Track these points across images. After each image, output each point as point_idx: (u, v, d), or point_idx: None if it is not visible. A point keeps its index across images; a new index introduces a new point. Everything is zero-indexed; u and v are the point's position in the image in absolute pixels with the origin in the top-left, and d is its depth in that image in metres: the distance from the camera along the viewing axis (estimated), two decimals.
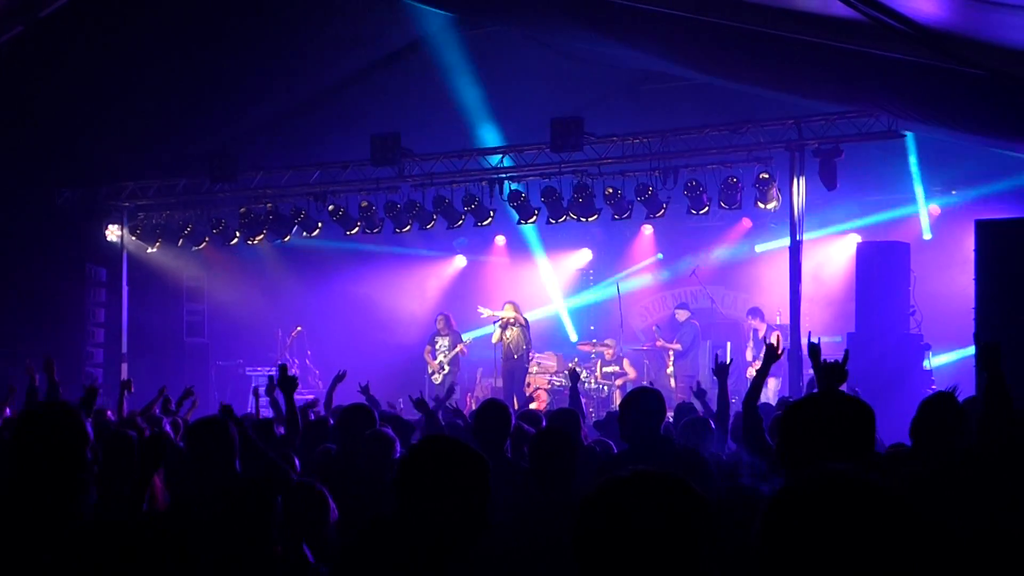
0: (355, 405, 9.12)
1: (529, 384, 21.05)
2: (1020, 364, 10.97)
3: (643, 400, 7.76)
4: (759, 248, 22.81)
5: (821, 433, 3.87)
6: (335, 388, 12.06)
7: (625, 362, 21.26)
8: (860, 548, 2.38)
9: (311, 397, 12.40)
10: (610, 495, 2.80)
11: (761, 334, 19.80)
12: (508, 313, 20.39)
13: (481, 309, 21.24)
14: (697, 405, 11.93)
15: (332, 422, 9.78)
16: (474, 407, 19.80)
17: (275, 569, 4.94)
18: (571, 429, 8.37)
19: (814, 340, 7.35)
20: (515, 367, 20.20)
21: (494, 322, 20.66)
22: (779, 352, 8.18)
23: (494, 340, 20.52)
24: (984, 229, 12.23)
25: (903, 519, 2.42)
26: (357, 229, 20.61)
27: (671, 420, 11.40)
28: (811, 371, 6.98)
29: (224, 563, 4.88)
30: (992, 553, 4.58)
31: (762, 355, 8.38)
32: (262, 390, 12.48)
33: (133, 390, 12.55)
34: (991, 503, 5.25)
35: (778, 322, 20.54)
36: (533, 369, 21.55)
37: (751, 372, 19.20)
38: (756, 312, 20.63)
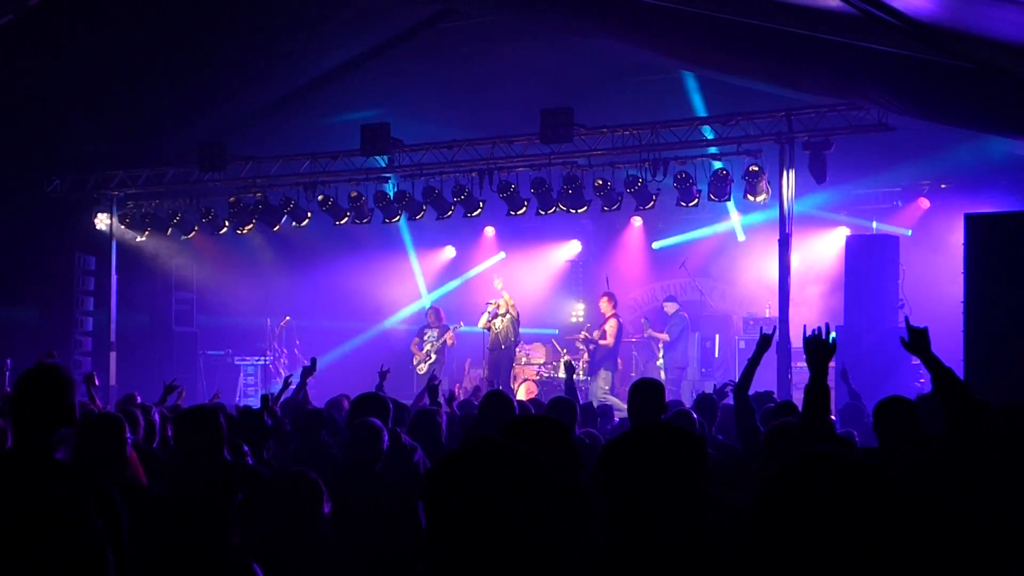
0: (369, 394, 9.21)
1: (516, 376, 21.05)
2: (1008, 357, 11.05)
3: (644, 391, 7.79)
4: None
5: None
6: (306, 382, 11.96)
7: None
8: (845, 521, 2.44)
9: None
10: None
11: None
12: (503, 302, 20.30)
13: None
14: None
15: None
16: (462, 397, 19.83)
17: (224, 559, 4.95)
18: (566, 419, 8.37)
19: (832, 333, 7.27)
20: (502, 357, 20.17)
21: (486, 304, 20.58)
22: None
23: (480, 326, 20.45)
24: (973, 223, 12.27)
25: (885, 493, 2.47)
26: (346, 219, 20.60)
27: None
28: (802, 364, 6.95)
29: (176, 548, 4.93)
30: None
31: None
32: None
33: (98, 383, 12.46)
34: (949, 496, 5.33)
35: (767, 314, 20.62)
36: (522, 360, 21.57)
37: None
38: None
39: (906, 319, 6.81)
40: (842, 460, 2.52)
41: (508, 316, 20.21)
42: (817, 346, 6.42)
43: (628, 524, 3.52)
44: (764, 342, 8.33)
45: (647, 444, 3.62)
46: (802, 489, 2.49)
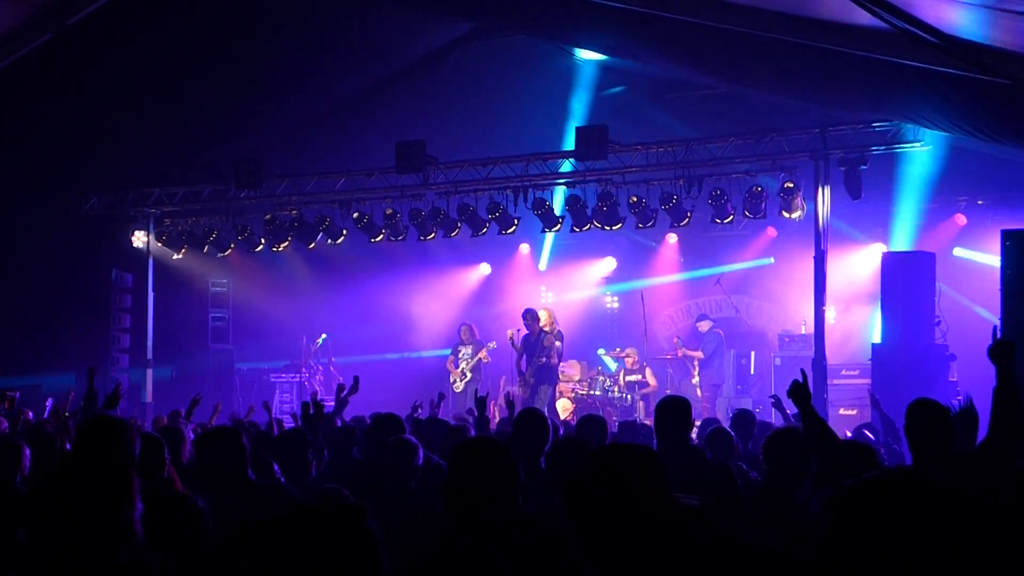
0: (386, 414, 9.23)
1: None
2: None
3: (670, 409, 7.78)
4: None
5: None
6: (347, 402, 11.93)
7: (647, 371, 21.18)
8: (927, 544, 2.40)
9: (332, 405, 12.38)
10: None
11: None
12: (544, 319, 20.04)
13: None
14: (776, 416, 11.92)
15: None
16: (498, 415, 19.81)
17: None
18: (595, 437, 8.36)
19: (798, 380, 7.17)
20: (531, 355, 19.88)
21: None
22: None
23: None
24: (1010, 238, 12.18)
25: (972, 519, 2.44)
26: (382, 237, 20.66)
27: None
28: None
29: None
30: None
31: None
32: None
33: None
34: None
35: (803, 331, 20.54)
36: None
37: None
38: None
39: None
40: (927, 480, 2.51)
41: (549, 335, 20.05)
42: (796, 390, 6.54)
43: (595, 546, 3.54)
44: (798, 393, 7.58)
45: (597, 470, 3.64)
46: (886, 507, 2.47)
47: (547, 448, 7.50)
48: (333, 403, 11.87)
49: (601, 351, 23.44)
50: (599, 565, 3.54)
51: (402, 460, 7.32)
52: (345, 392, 11.74)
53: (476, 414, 10.16)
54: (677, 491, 3.68)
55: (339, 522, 2.77)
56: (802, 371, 7.10)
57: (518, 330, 19.55)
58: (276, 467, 7.90)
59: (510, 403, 11.56)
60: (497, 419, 15.21)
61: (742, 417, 11.46)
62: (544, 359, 19.08)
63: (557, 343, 19.40)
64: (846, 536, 2.46)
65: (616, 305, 25.11)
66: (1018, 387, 6.46)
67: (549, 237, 23.64)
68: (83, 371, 10.93)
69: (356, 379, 11.88)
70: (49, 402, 14.70)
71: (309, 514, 2.78)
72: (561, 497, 3.63)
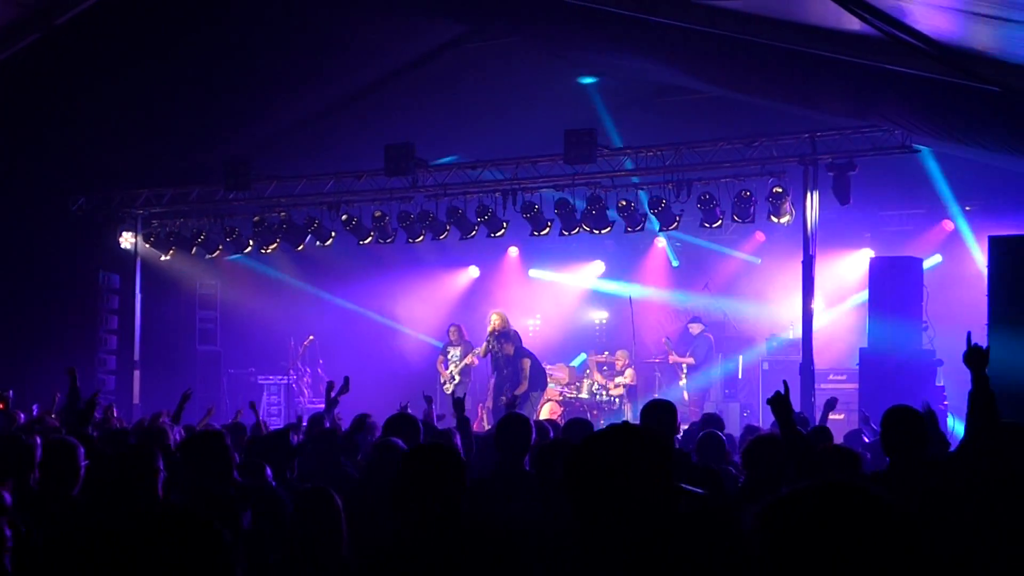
0: (401, 414, 9.23)
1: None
2: None
3: (655, 412, 7.80)
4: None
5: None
6: (337, 401, 11.86)
7: (628, 371, 21.13)
8: (860, 555, 2.36)
9: (321, 407, 12.36)
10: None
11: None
12: (495, 324, 19.94)
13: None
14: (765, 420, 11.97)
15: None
16: (485, 417, 19.79)
17: None
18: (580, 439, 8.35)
19: (781, 390, 7.18)
20: (503, 380, 19.77)
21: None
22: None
23: (482, 354, 20.17)
24: (998, 245, 12.22)
25: (903, 529, 2.41)
26: (370, 239, 20.63)
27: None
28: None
29: None
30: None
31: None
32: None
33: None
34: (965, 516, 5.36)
35: (791, 336, 20.55)
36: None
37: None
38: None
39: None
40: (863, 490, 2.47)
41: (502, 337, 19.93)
42: (776, 402, 6.66)
43: (593, 522, 3.53)
44: (778, 405, 7.00)
45: (609, 446, 3.65)
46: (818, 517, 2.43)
47: (533, 449, 7.51)
48: (323, 404, 11.85)
49: (583, 355, 23.44)
50: (597, 548, 3.52)
51: (389, 463, 7.31)
52: (335, 392, 11.71)
53: (457, 416, 10.19)
54: None
55: (184, 532, 2.70)
56: (784, 383, 7.13)
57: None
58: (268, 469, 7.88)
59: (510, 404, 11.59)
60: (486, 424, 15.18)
61: (710, 421, 11.45)
62: (523, 390, 18.86)
63: (526, 361, 19.34)
64: (773, 548, 2.43)
65: (605, 316, 25.08)
66: (992, 392, 6.59)
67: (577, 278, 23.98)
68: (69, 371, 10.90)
69: (346, 380, 11.85)
70: (35, 407, 14.69)
71: (156, 523, 2.72)
72: (563, 473, 3.61)
